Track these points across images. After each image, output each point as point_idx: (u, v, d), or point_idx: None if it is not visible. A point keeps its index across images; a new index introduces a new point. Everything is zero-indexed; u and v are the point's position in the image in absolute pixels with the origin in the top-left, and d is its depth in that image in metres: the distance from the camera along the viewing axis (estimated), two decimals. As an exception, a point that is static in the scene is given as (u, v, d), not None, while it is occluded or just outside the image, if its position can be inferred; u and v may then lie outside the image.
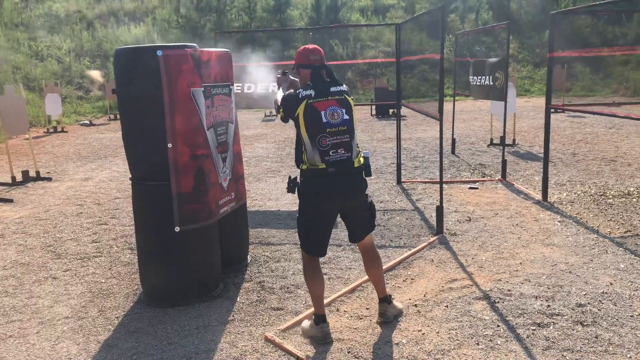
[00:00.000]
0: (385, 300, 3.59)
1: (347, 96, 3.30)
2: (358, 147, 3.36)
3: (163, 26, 23.82)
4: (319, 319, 3.37)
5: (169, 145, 3.71)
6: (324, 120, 3.17)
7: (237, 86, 6.46)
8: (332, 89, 3.27)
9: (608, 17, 20.94)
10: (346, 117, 3.23)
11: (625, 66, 20.29)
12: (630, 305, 3.65)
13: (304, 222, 3.33)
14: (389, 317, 3.57)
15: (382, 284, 3.59)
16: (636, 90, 18.76)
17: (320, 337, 3.35)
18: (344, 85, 3.36)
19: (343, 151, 3.20)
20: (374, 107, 16.47)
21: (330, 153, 3.17)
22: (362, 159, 3.33)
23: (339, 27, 22.59)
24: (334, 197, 3.23)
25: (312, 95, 3.20)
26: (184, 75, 3.70)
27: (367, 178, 3.38)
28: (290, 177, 3.39)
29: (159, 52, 3.61)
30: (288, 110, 3.29)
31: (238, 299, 4.02)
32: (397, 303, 3.69)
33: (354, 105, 3.36)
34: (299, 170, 3.32)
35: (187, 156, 3.77)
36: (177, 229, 3.80)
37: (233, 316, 3.76)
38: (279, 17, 25.58)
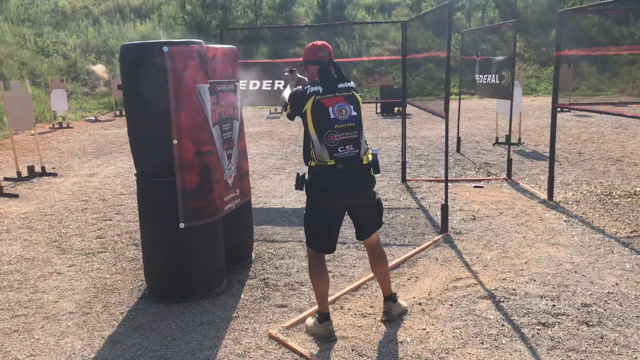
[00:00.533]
0: (390, 298, 3.58)
1: (354, 92, 3.28)
2: (366, 143, 3.34)
3: (169, 23, 23.85)
4: (323, 317, 3.37)
5: (174, 141, 3.70)
6: (332, 116, 3.15)
7: (242, 83, 6.46)
8: (340, 85, 3.26)
9: (615, 16, 20.82)
10: (354, 113, 3.22)
11: (633, 65, 20.19)
12: (636, 306, 3.63)
13: (312, 219, 3.31)
14: (393, 315, 3.56)
15: (387, 282, 3.58)
16: (643, 89, 18.67)
17: (324, 335, 3.34)
18: (352, 82, 3.34)
19: (351, 148, 3.18)
20: (379, 105, 16.45)
21: (339, 150, 3.16)
22: (370, 156, 3.31)
23: (344, 24, 22.57)
24: (342, 194, 3.22)
25: (320, 92, 3.19)
26: (189, 72, 3.69)
27: (375, 175, 3.37)
28: (298, 174, 3.37)
29: (165, 48, 3.61)
30: (295, 107, 3.27)
31: (242, 296, 4.02)
32: (401, 302, 3.68)
33: (362, 102, 3.35)
34: (305, 168, 3.31)
35: (192, 153, 3.76)
36: (181, 225, 3.80)
37: (237, 313, 3.76)
38: (285, 14, 25.56)
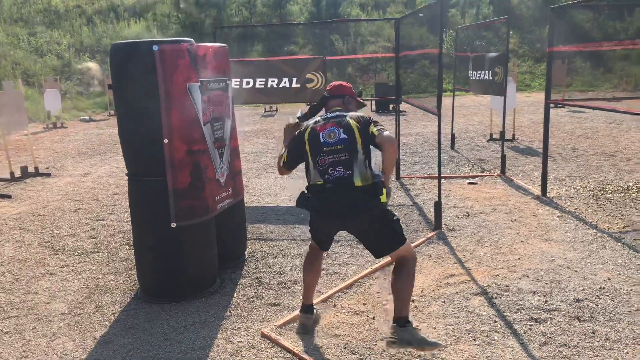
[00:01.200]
0: (398, 322, 3.03)
1: (350, 119, 3.18)
2: (368, 168, 3.15)
3: (163, 22, 23.77)
4: (301, 308, 3.43)
5: (165, 140, 3.69)
6: (322, 140, 3.17)
7: (235, 81, 6.44)
8: (335, 114, 3.26)
9: (609, 11, 20.87)
10: (344, 136, 3.16)
11: (626, 61, 20.24)
12: (628, 301, 3.64)
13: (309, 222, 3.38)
14: (396, 341, 3.00)
15: (400, 301, 3.07)
16: (637, 85, 18.72)
17: (298, 326, 3.43)
18: (354, 113, 3.26)
19: (342, 169, 3.09)
20: (374, 102, 16.44)
21: (329, 171, 3.11)
22: (371, 179, 3.11)
23: (339, 22, 22.56)
24: (330, 216, 3.17)
25: (317, 121, 3.25)
26: (180, 70, 3.67)
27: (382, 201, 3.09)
28: (303, 192, 3.29)
29: (155, 47, 3.59)
30: (294, 148, 3.27)
31: (235, 295, 4.02)
32: (419, 333, 3.05)
33: (358, 127, 3.17)
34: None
35: (183, 152, 3.75)
36: (173, 224, 3.78)
37: (230, 312, 3.75)
38: (279, 12, 25.53)
